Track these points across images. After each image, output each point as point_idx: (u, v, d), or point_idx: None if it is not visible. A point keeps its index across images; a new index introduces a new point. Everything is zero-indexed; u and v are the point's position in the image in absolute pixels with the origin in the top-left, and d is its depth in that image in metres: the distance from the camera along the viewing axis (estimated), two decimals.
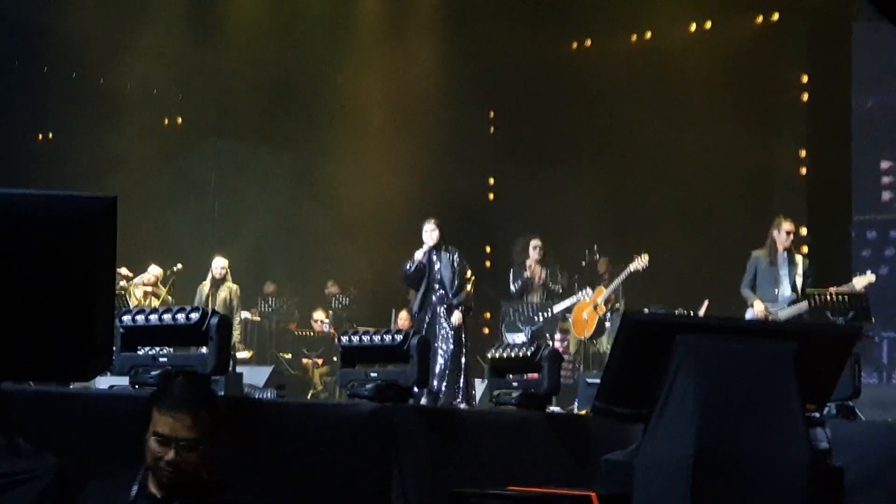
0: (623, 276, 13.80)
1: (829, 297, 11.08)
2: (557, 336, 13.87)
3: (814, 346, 6.96)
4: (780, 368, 6.70)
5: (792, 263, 11.64)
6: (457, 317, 12.32)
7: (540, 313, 13.16)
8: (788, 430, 6.62)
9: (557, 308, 13.53)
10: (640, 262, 13.62)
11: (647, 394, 6.75)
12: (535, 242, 14.06)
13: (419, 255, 12.26)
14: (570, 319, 13.92)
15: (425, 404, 10.65)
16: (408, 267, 12.34)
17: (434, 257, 12.33)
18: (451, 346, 12.10)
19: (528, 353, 8.53)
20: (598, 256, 15.73)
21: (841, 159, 16.83)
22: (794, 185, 17.01)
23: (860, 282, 11.73)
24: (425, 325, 12.27)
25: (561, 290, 14.01)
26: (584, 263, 15.87)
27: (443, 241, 12.35)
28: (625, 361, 6.85)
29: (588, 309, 13.69)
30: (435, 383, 11.85)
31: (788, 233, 11.72)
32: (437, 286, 12.33)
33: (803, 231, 15.70)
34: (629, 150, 17.34)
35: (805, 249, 13.37)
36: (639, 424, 7.19)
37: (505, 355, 8.78)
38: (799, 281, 11.57)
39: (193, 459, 4.32)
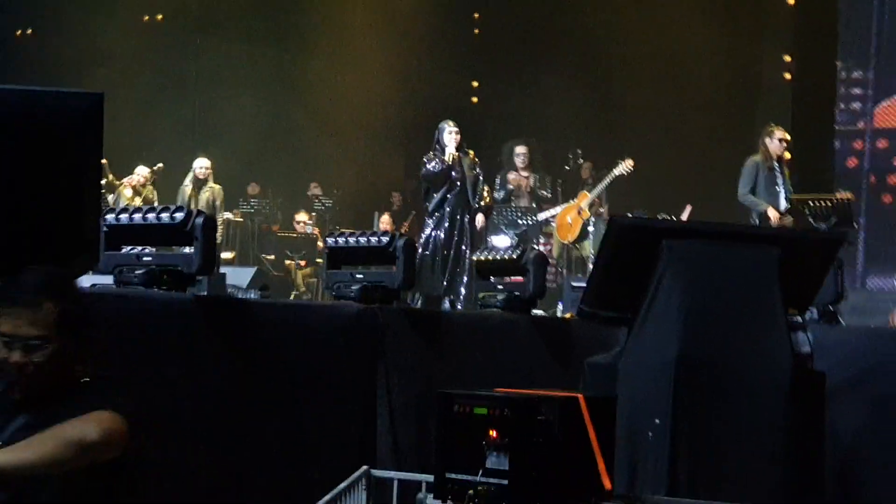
0: (607, 180, 13.78)
1: (812, 203, 11.09)
2: (541, 240, 13.89)
3: (798, 252, 7.00)
4: (764, 273, 6.74)
5: (782, 171, 11.63)
6: (480, 219, 12.16)
7: (525, 217, 13.15)
8: (771, 335, 6.67)
9: (542, 215, 13.52)
10: (625, 167, 13.59)
11: (632, 298, 6.78)
12: (519, 149, 13.99)
13: (449, 154, 11.88)
14: (554, 224, 13.92)
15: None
16: (434, 166, 12.00)
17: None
18: (468, 250, 11.91)
19: (514, 257, 8.54)
20: (581, 161, 15.69)
21: (825, 66, 16.78)
22: (778, 91, 16.96)
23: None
24: (444, 227, 11.90)
25: (549, 196, 14.00)
26: (567, 168, 15.83)
27: (462, 143, 12.11)
28: (611, 265, 6.87)
29: (572, 213, 13.68)
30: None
31: (781, 140, 11.66)
32: (458, 188, 12.07)
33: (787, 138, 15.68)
34: (614, 55, 17.24)
35: (788, 156, 13.36)
36: (623, 328, 7.25)
37: (490, 258, 8.80)
38: (787, 189, 11.57)
39: (42, 359, 3.80)
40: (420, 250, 11.62)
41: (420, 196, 12.79)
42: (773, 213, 11.27)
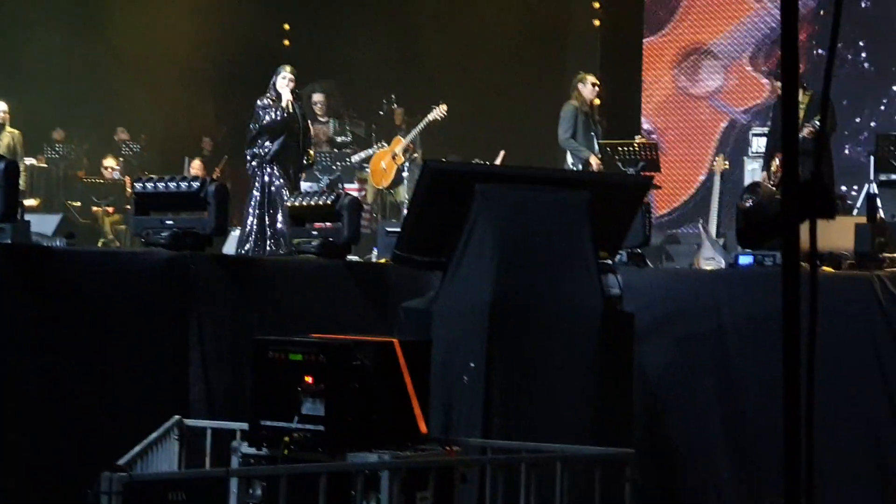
0: (421, 125, 13.79)
1: (620, 148, 11.31)
2: (355, 185, 13.84)
3: (607, 195, 7.13)
4: (575, 217, 6.85)
5: (594, 117, 11.78)
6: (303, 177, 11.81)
7: (337, 162, 13.08)
8: (582, 277, 6.80)
9: (355, 158, 13.46)
10: (438, 112, 13.62)
11: (446, 242, 6.82)
12: (316, 97, 13.82)
13: (286, 101, 11.34)
14: (368, 169, 13.89)
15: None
16: (275, 115, 11.39)
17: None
18: None
19: (328, 202, 8.48)
20: (395, 106, 15.67)
21: (633, 12, 17.06)
22: (587, 38, 17.20)
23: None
24: (282, 178, 11.32)
25: (350, 140, 13.88)
26: (381, 113, 15.79)
27: (295, 90, 11.59)
28: (424, 210, 6.89)
29: (386, 159, 13.66)
30: None
31: (594, 85, 11.78)
32: (294, 137, 11.55)
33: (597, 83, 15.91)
34: (425, 1, 17.22)
35: (598, 102, 13.56)
36: (437, 272, 7.29)
37: (304, 204, 8.72)
38: (598, 134, 11.74)
39: None
40: (259, 199, 11.23)
41: (230, 141, 12.54)
42: (594, 161, 11.42)
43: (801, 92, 10.59)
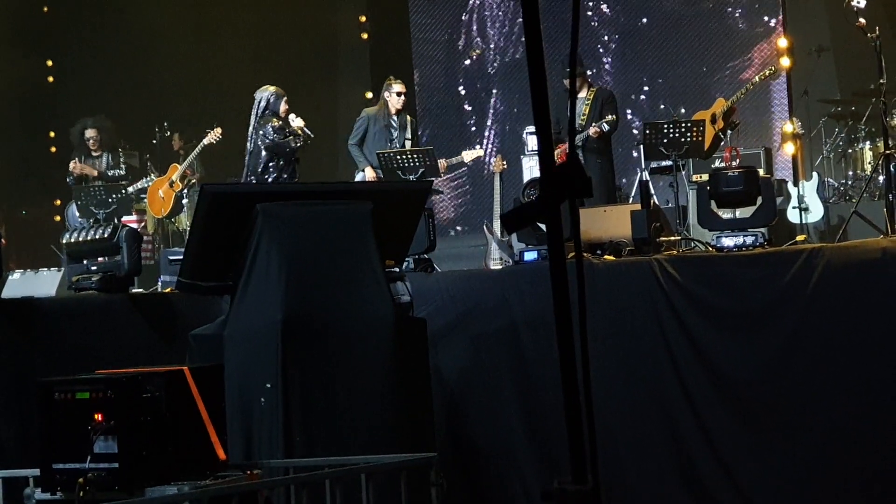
0: (197, 150, 13.58)
1: (399, 157, 11.33)
2: (134, 217, 13.54)
3: (389, 204, 7.18)
4: (359, 228, 6.87)
5: (403, 126, 11.68)
6: None
7: (113, 195, 12.77)
8: (371, 287, 6.83)
9: (131, 189, 13.17)
10: (213, 136, 13.44)
11: (232, 265, 6.75)
12: (88, 133, 13.48)
13: (297, 127, 10.56)
14: (146, 199, 13.61)
15: None
16: (292, 140, 10.55)
17: None
18: None
19: (104, 236, 8.28)
20: (169, 133, 15.40)
21: (399, 23, 17.23)
22: (357, 52, 17.26)
23: (469, 156, 12.05)
24: None
25: (124, 173, 13.56)
26: (154, 142, 15.51)
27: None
28: (206, 235, 6.80)
29: (163, 187, 13.42)
30: None
31: (399, 94, 11.65)
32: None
33: (368, 95, 15.99)
34: (192, 24, 17.01)
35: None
36: (226, 296, 7.20)
37: (80, 239, 8.48)
38: (408, 144, 11.66)
39: None
40: None
41: None
42: (369, 172, 11.39)
43: (585, 88, 10.69)
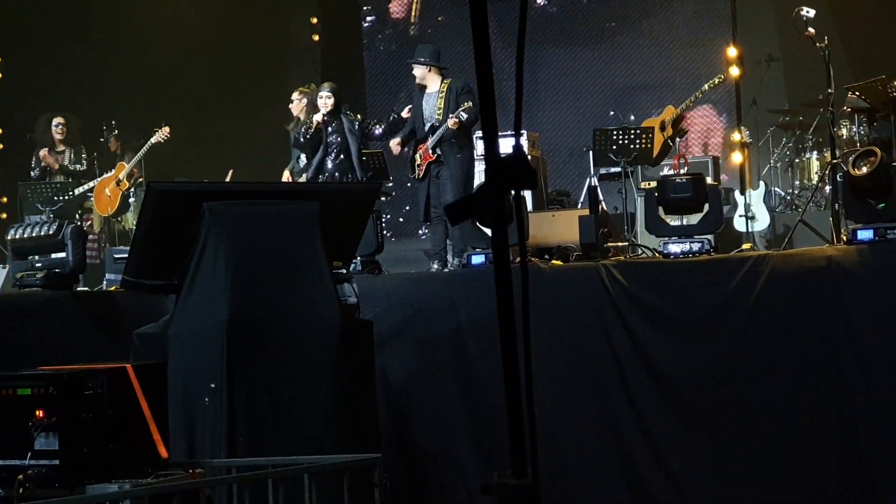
0: (144, 149, 13.49)
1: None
2: (80, 216, 13.42)
3: (336, 205, 7.15)
4: (306, 229, 6.85)
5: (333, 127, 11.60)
6: None
7: (60, 194, 12.66)
8: (317, 288, 6.80)
9: (79, 189, 13.06)
10: (161, 135, 13.35)
11: (177, 264, 6.70)
12: (57, 120, 13.37)
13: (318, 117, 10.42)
14: (92, 198, 13.50)
15: None
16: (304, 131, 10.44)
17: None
18: None
19: (51, 233, 8.21)
20: (117, 132, 15.29)
21: (352, 27, 17.23)
22: (308, 53, 17.23)
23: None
24: None
25: (83, 169, 13.47)
26: (102, 140, 15.39)
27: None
28: (153, 233, 6.75)
29: (110, 185, 13.32)
30: None
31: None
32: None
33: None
34: (142, 23, 16.91)
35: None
36: (171, 295, 7.15)
37: (26, 236, 8.41)
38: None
39: None
40: None
41: None
42: (286, 176, 11.36)
43: (438, 80, 10.17)
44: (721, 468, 7.55)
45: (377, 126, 11.29)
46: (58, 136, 13.37)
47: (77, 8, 16.54)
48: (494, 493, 1.83)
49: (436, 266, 9.85)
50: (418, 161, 10.18)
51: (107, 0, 16.66)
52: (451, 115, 9.93)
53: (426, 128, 10.18)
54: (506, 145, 1.82)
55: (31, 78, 16.63)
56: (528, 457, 1.83)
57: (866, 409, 7.24)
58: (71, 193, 13.06)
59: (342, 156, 10.52)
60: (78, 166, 13.54)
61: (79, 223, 11.88)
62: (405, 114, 10.84)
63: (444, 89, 10.20)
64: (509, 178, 1.75)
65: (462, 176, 10.05)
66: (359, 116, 11.08)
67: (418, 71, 10.34)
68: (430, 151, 10.06)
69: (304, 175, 10.88)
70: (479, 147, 12.01)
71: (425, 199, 10.05)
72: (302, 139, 10.75)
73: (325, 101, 10.65)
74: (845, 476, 7.29)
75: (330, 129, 10.58)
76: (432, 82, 10.29)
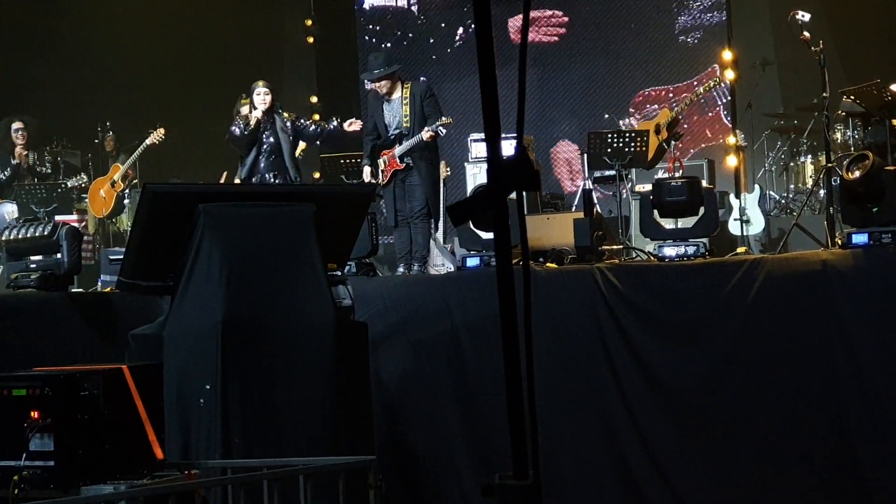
0: (139, 151, 13.48)
1: (342, 161, 11.33)
2: (74, 217, 13.41)
3: (331, 207, 7.15)
4: (301, 230, 6.84)
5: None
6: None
7: (53, 193, 12.64)
8: (312, 290, 6.79)
9: (71, 182, 13.04)
10: (156, 136, 13.35)
11: (173, 265, 6.70)
12: (16, 125, 13.31)
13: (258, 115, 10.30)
14: (87, 199, 13.50)
15: None
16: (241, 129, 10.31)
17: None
18: None
19: (45, 233, 8.20)
20: (111, 133, 15.28)
21: (347, 29, 17.23)
22: (303, 55, 17.23)
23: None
24: None
25: (48, 171, 13.42)
26: (97, 141, 15.38)
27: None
28: (148, 234, 6.74)
29: (105, 186, 13.32)
30: None
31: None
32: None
33: (314, 99, 15.98)
34: (138, 25, 16.90)
35: (317, 117, 13.56)
36: (166, 296, 7.14)
37: (20, 236, 8.40)
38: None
39: None
40: None
41: None
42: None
43: (398, 88, 10.03)
44: (716, 470, 7.55)
45: (312, 125, 11.09)
46: (19, 141, 13.31)
47: (68, 9, 16.53)
48: (495, 494, 1.83)
49: (401, 269, 9.85)
50: (382, 167, 10.15)
51: (99, 2, 16.66)
52: (427, 129, 9.79)
53: (390, 135, 10.10)
54: (506, 147, 1.83)
55: (15, 77, 16.57)
56: (529, 458, 1.83)
57: (861, 411, 7.25)
58: (64, 185, 13.07)
59: (274, 156, 10.43)
60: (44, 169, 13.52)
61: (75, 222, 11.87)
62: (348, 126, 10.72)
63: (408, 95, 10.10)
64: (512, 178, 1.75)
65: (432, 182, 10.05)
66: (292, 115, 10.97)
67: (385, 85, 10.15)
68: (399, 160, 10.01)
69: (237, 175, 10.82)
70: (475, 149, 12.06)
71: (392, 204, 10.06)
72: (238, 132, 10.53)
73: (264, 97, 10.50)
74: (840, 478, 7.30)
75: (264, 127, 10.49)
76: (395, 90, 10.21)
